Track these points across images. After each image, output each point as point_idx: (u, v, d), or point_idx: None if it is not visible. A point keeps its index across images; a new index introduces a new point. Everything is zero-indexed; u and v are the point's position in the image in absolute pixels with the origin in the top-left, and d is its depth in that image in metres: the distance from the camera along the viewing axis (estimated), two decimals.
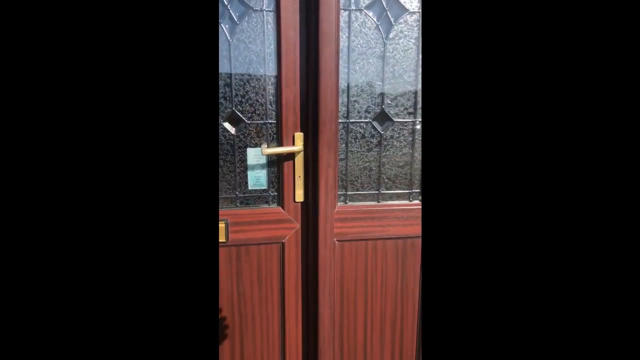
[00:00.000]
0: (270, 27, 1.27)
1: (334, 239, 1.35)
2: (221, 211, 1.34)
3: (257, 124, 1.33)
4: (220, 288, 1.37)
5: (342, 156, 1.36)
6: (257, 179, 1.37)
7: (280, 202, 1.37)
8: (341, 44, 1.28)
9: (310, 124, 1.30)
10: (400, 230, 1.40)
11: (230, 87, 1.29)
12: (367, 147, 1.37)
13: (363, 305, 1.45)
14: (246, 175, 1.36)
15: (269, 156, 1.33)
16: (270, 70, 1.30)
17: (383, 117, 1.36)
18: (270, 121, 1.33)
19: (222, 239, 1.33)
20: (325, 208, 1.30)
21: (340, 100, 1.31)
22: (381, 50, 1.31)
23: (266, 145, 1.32)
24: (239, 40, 1.27)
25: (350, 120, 1.34)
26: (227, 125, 1.32)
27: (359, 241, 1.39)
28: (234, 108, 1.30)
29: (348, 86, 1.32)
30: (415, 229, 1.41)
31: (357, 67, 1.31)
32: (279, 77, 1.28)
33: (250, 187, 1.37)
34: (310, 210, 1.36)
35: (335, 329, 1.44)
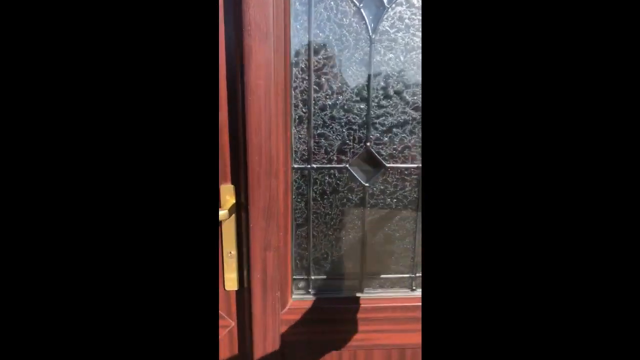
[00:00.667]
0: None
1: (285, 350, 0.85)
2: None
3: None
4: None
5: (301, 221, 0.85)
6: None
7: None
8: (299, 38, 0.75)
9: (246, 172, 0.80)
10: (394, 338, 0.88)
11: None
12: (341, 208, 0.85)
13: None
14: None
15: None
16: None
17: (369, 160, 0.83)
18: None
19: None
20: (262, 309, 0.81)
21: (295, 132, 0.80)
22: (366, 50, 0.77)
23: None
24: None
25: (314, 166, 0.82)
26: None
27: (326, 354, 0.88)
28: None
29: (309, 110, 0.79)
30: (418, 335, 0.88)
31: (325, 78, 0.78)
32: None
33: None
34: (247, 305, 0.87)
35: None
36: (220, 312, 0.89)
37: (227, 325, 0.89)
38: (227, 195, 0.82)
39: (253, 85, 0.68)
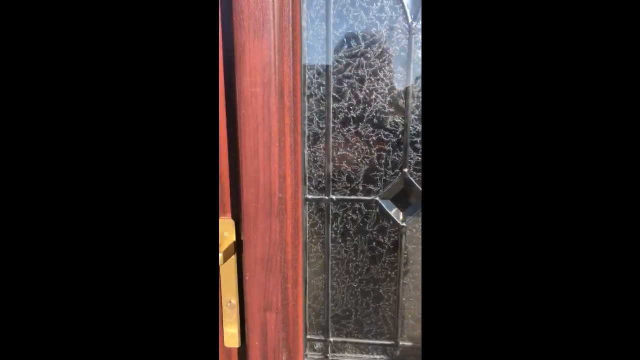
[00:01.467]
0: None
1: None
2: None
3: None
4: None
5: (316, 268, 0.66)
6: None
7: None
8: (314, 30, 0.57)
9: (242, 207, 0.63)
10: None
11: None
12: (369, 253, 0.65)
13: None
14: None
15: None
16: None
17: (406, 191, 0.62)
18: None
19: None
20: None
21: (309, 153, 0.61)
22: (403, 44, 0.57)
23: None
24: None
25: (333, 197, 0.63)
26: None
27: None
28: None
29: (327, 125, 0.61)
30: None
31: (347, 83, 0.59)
32: None
33: None
34: None
35: None
36: None
37: None
38: (226, 232, 0.66)
39: (247, 94, 0.51)
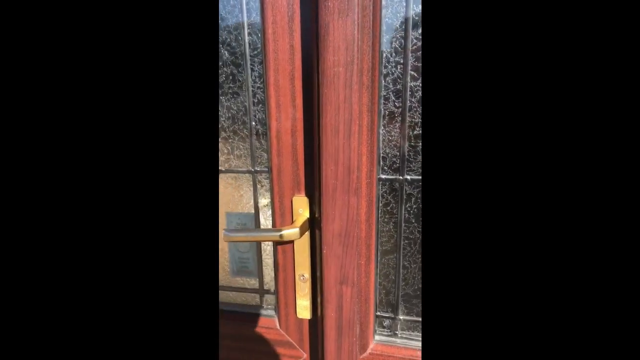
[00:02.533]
0: None
1: None
2: None
3: (238, 172, 0.75)
4: None
5: (388, 247, 0.67)
6: (243, 261, 0.80)
7: (277, 311, 0.78)
8: (393, 8, 0.57)
9: (319, 185, 0.65)
10: None
11: None
12: None
13: None
14: (226, 255, 0.81)
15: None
16: (256, 76, 0.69)
17: None
18: (258, 169, 0.73)
19: None
20: (336, 350, 0.65)
21: (384, 132, 0.62)
22: None
23: (255, 212, 0.73)
24: None
25: (407, 177, 0.63)
26: None
27: None
28: None
29: (403, 104, 0.60)
30: None
31: None
32: (265, 89, 0.67)
33: (231, 275, 0.82)
34: (320, 336, 0.73)
35: None
36: (290, 340, 0.77)
37: (299, 356, 0.77)
38: (300, 209, 0.69)
39: (330, 74, 0.53)
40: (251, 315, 0.80)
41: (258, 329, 0.79)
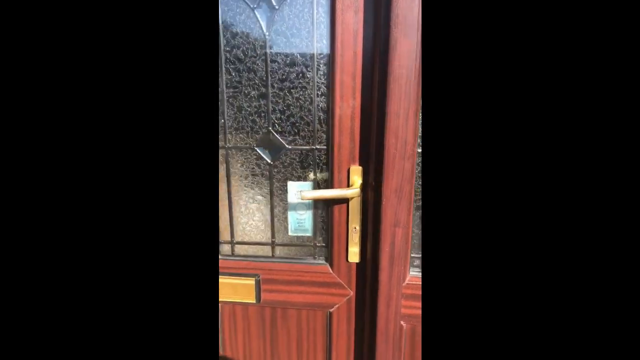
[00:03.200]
0: (322, 12, 0.86)
1: (401, 322, 0.92)
2: (253, 264, 1.02)
3: (301, 150, 0.95)
4: (250, 350, 1.08)
5: (420, 203, 0.90)
6: (300, 222, 1.00)
7: (329, 258, 0.99)
8: None
9: (374, 156, 0.87)
10: None
11: (266, 98, 0.93)
12: None
13: None
14: (286, 217, 1.01)
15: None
16: (321, 74, 0.90)
17: None
18: (318, 147, 0.94)
19: (251, 299, 1.02)
20: (388, 280, 0.88)
21: (420, 118, 0.85)
22: None
23: (313, 180, 0.94)
24: (278, 32, 0.89)
25: None
26: (260, 151, 0.97)
27: None
28: (270, 128, 0.95)
29: None
30: None
31: None
32: (331, 84, 0.88)
33: (290, 233, 1.02)
34: (369, 277, 0.95)
35: None
36: (341, 281, 0.98)
37: (347, 294, 0.99)
38: (356, 175, 0.91)
39: (396, 74, 0.75)
40: (306, 264, 1.00)
41: (312, 275, 0.99)
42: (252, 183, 1.00)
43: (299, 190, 0.96)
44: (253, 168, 0.99)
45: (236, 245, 1.05)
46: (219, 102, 0.95)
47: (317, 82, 0.90)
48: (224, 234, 1.04)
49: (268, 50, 0.90)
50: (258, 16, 0.89)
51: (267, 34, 0.89)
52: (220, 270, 1.03)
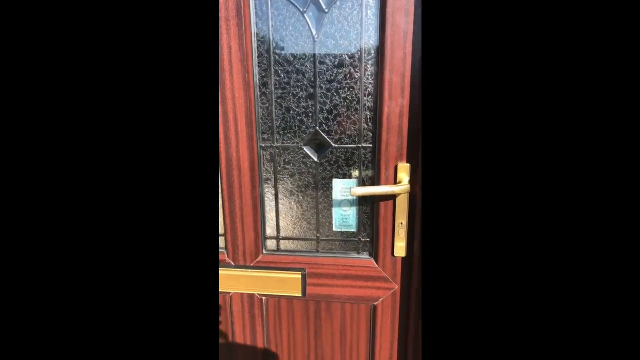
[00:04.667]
0: (370, 14, 0.89)
1: None
2: (298, 258, 1.05)
3: (347, 148, 0.98)
4: (294, 343, 1.11)
5: None
6: (345, 218, 1.04)
7: (374, 253, 1.02)
8: None
9: (422, 153, 0.90)
10: None
11: (314, 98, 0.96)
12: None
13: None
14: (331, 213, 1.04)
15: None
16: (369, 75, 0.92)
17: None
18: (364, 145, 0.97)
19: (296, 292, 1.05)
20: None
21: None
22: None
23: (357, 179, 0.97)
24: (327, 34, 0.92)
25: None
26: (308, 149, 1.00)
27: None
28: (317, 127, 0.98)
29: None
30: None
31: None
32: (379, 84, 0.91)
33: (335, 229, 1.05)
34: (415, 271, 0.98)
35: None
36: (386, 275, 1.01)
37: (392, 287, 1.02)
38: (403, 172, 0.93)
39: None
40: (350, 258, 1.04)
41: (357, 269, 1.03)
42: (298, 181, 1.03)
43: (349, 187, 0.99)
44: (300, 166, 1.02)
45: (282, 241, 1.08)
46: (269, 103, 0.98)
47: (365, 82, 0.93)
48: (270, 229, 1.08)
49: (317, 52, 0.93)
50: (307, 19, 0.92)
51: (315, 36, 0.92)
52: (267, 264, 1.06)
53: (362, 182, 0.99)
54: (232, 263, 1.08)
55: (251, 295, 1.09)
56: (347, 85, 0.94)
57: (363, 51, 0.91)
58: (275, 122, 0.99)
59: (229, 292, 1.10)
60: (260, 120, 0.99)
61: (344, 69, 0.93)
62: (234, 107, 0.95)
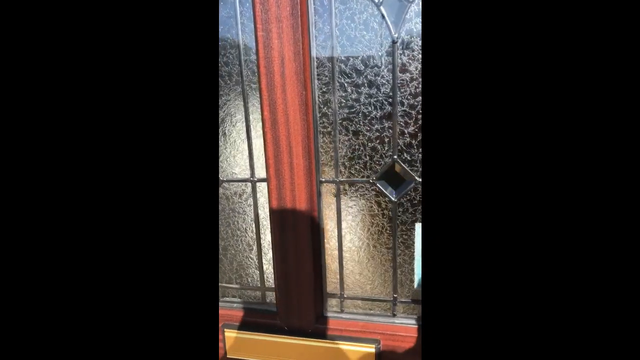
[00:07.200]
0: None
1: None
2: (370, 325, 0.81)
3: None
4: None
5: None
6: None
7: None
8: None
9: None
10: None
11: (392, 119, 0.72)
12: None
13: None
14: (412, 268, 0.79)
15: None
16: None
17: None
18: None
19: None
20: None
21: None
22: None
23: None
24: (412, 32, 0.68)
25: None
26: (382, 185, 0.76)
27: None
28: (395, 156, 0.74)
29: None
30: None
31: None
32: None
33: (417, 286, 0.80)
34: None
35: None
36: None
37: None
38: None
39: None
40: None
41: None
42: (369, 225, 0.79)
43: None
44: (371, 206, 0.78)
45: (346, 300, 0.84)
46: (332, 127, 0.75)
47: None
48: (331, 286, 0.85)
49: (397, 57, 0.69)
50: (385, 13, 0.68)
51: (395, 35, 0.68)
52: (327, 332, 0.83)
53: None
54: (286, 327, 0.85)
55: None
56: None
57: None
58: (339, 150, 0.77)
59: None
60: (320, 148, 0.77)
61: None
62: (288, 133, 0.74)
